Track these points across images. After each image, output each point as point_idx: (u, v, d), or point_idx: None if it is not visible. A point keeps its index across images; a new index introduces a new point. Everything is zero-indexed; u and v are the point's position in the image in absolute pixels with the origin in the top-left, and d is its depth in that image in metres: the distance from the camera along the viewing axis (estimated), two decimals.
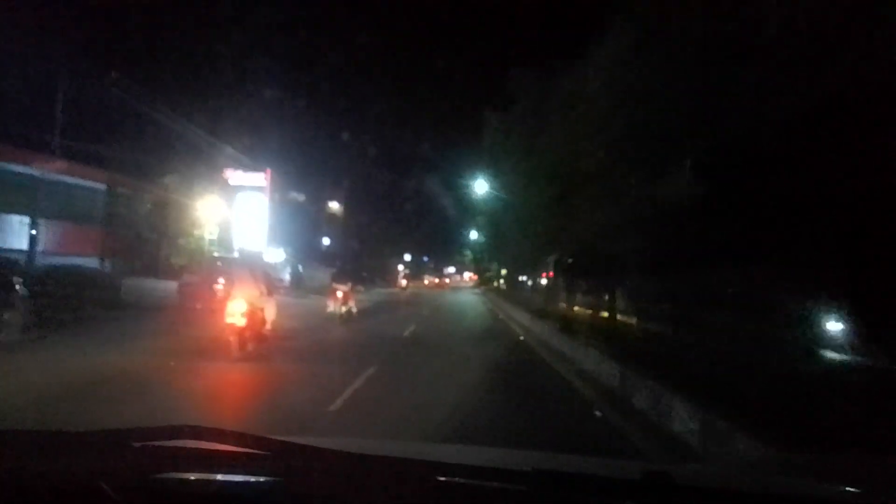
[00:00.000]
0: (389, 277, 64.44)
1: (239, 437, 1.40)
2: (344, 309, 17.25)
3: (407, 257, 80.00)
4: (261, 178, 36.51)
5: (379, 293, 39.43)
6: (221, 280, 15.07)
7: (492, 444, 5.28)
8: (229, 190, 34.46)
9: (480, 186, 26.21)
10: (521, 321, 20.72)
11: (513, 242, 25.54)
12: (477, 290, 62.32)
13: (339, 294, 17.28)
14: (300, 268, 39.72)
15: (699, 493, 1.42)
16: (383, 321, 20.11)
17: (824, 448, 4.04)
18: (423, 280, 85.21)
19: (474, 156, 27.96)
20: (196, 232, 30.43)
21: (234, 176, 35.56)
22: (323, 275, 41.45)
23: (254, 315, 9.99)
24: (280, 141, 39.08)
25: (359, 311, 18.70)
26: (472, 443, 5.23)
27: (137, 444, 1.40)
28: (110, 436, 1.46)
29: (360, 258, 50.11)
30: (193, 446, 1.40)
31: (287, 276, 35.30)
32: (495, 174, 23.91)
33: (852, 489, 1.64)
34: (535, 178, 17.01)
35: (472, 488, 1.35)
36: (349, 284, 17.73)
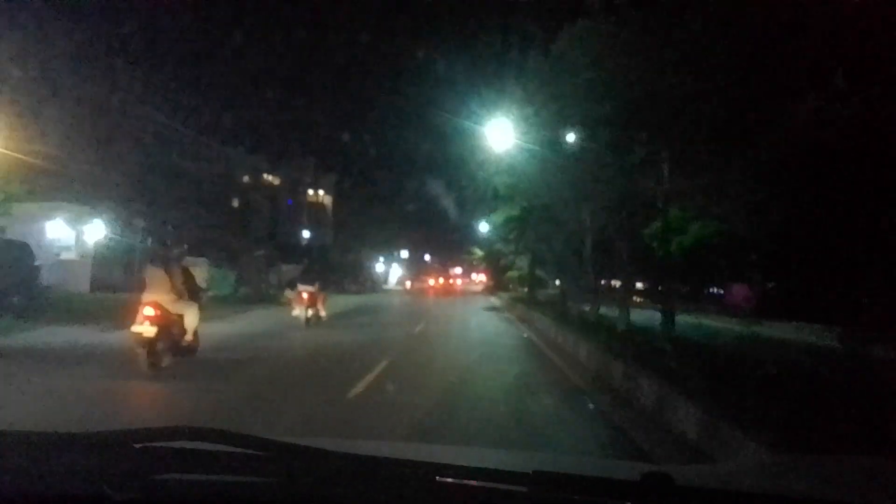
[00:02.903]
0: (363, 278, 53.46)
1: (240, 439, 1.41)
2: (310, 312, 15.76)
3: (404, 254, 75.23)
4: None
5: (339, 303, 25.10)
6: None
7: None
8: None
9: (502, 135, 16.58)
10: None
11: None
12: (495, 303, 38.36)
13: (305, 296, 15.76)
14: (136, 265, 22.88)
15: (699, 494, 1.42)
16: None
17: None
18: (424, 281, 70.85)
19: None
20: None
21: None
22: (223, 277, 28.06)
23: (168, 322, 8.54)
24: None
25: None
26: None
27: (138, 445, 1.41)
28: (111, 437, 1.47)
29: (324, 253, 40.34)
30: (194, 447, 1.40)
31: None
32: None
33: (853, 491, 1.65)
34: None
35: (472, 489, 1.36)
36: (316, 285, 16.12)
